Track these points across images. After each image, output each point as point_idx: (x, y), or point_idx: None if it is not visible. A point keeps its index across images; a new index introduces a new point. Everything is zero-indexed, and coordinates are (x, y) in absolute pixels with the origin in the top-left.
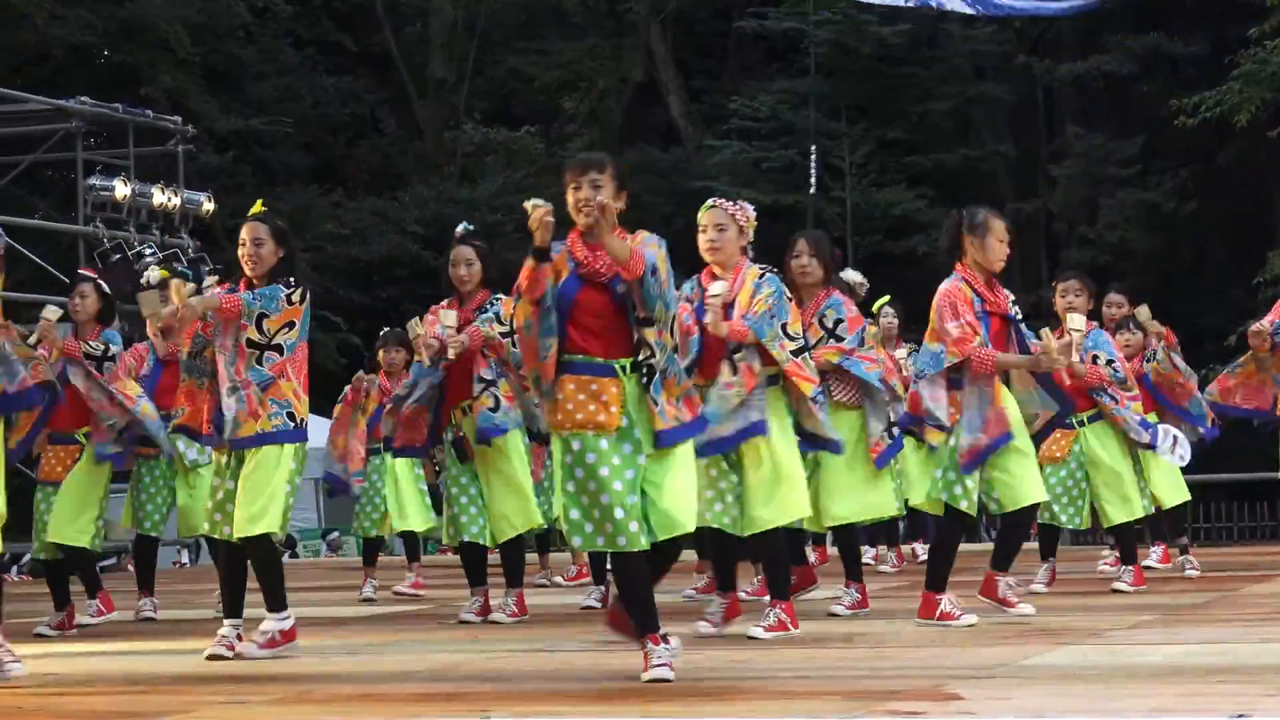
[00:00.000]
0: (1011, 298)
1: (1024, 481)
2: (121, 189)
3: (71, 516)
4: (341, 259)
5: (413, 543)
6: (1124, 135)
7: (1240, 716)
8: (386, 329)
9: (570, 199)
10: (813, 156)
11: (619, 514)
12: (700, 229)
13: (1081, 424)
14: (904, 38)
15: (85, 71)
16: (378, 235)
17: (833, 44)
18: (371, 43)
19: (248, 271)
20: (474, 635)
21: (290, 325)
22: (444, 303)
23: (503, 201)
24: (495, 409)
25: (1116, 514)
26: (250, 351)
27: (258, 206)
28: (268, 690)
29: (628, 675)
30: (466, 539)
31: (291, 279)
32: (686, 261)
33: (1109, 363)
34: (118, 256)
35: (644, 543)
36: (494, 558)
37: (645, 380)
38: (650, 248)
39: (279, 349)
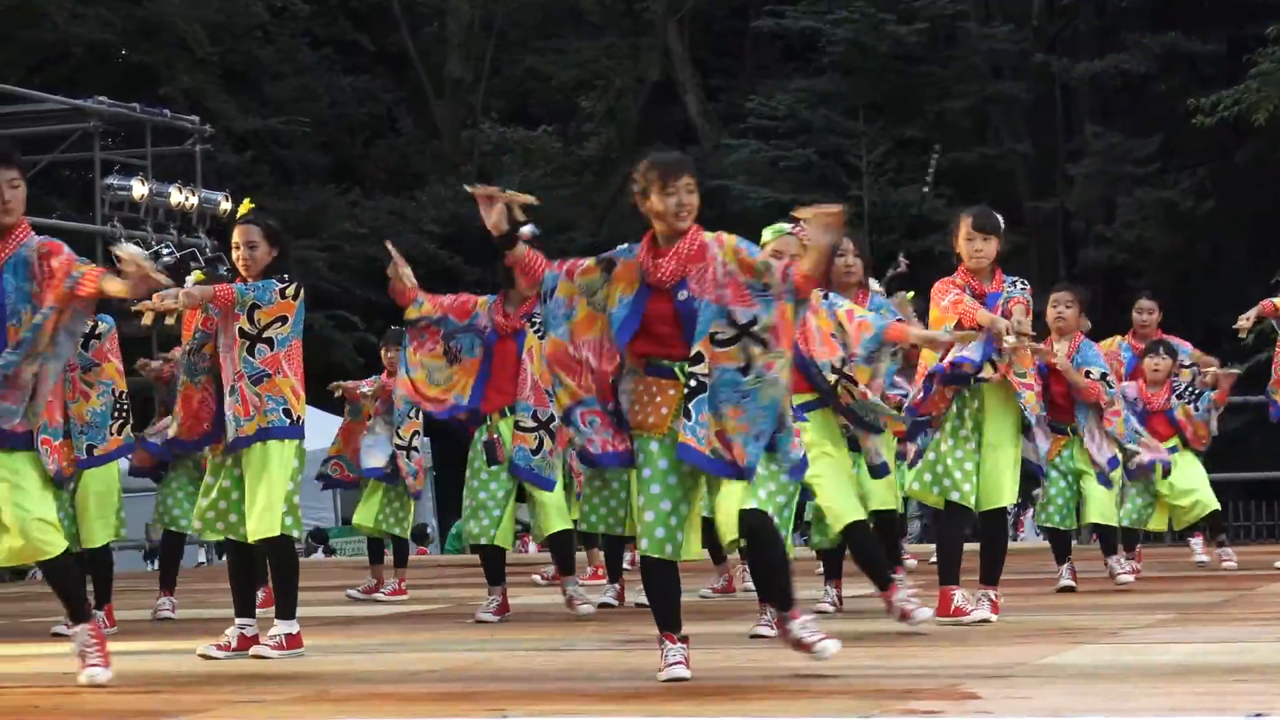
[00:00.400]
0: (1010, 280)
1: (998, 484)
2: (139, 188)
3: (99, 517)
4: (359, 258)
5: (399, 546)
6: (1142, 134)
7: (1258, 715)
8: (392, 327)
9: (660, 204)
10: (934, 157)
11: (648, 516)
12: (773, 254)
13: (1074, 431)
14: (921, 36)
15: (104, 70)
16: (395, 235)
17: (850, 43)
18: (389, 42)
19: (243, 274)
20: (490, 634)
21: (283, 319)
22: (489, 297)
23: None
24: (537, 451)
25: (1089, 515)
26: (242, 341)
27: (245, 207)
28: (285, 689)
29: (643, 674)
30: (484, 541)
31: (286, 274)
32: None
33: (1103, 377)
34: None
35: (668, 551)
36: (512, 556)
37: (689, 390)
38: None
39: (270, 342)
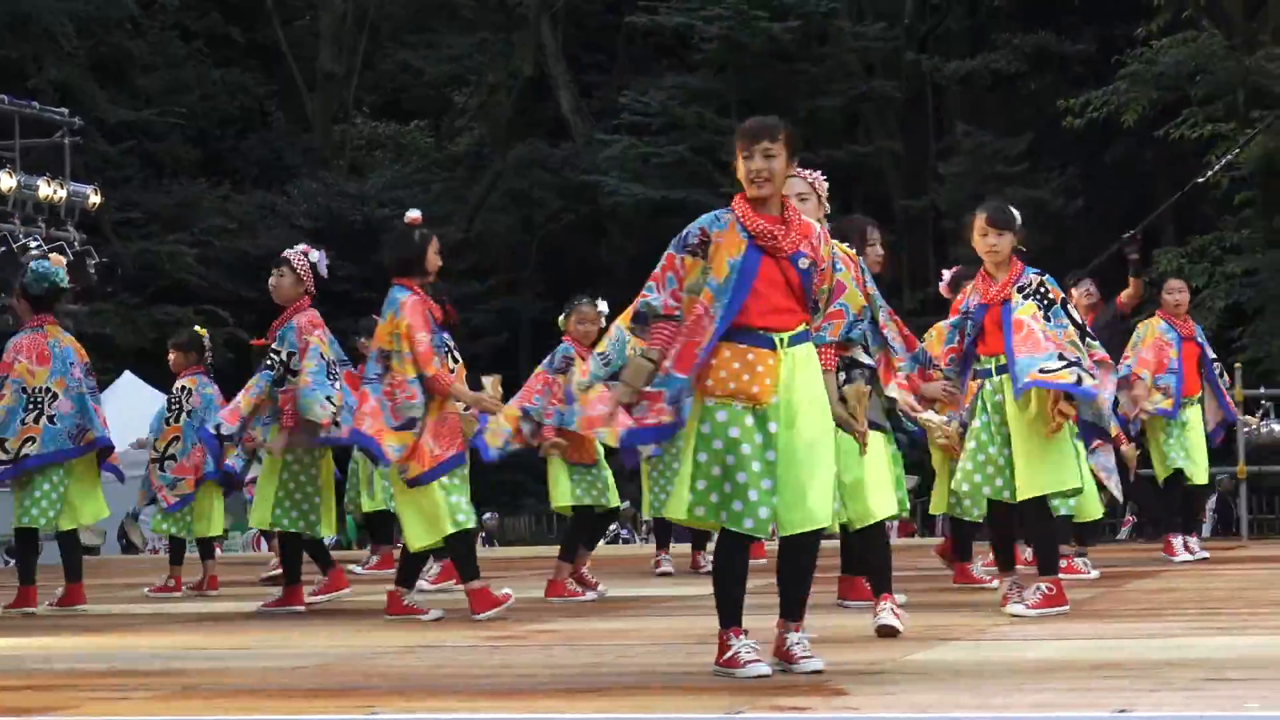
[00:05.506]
0: (1026, 276)
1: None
2: (7, 180)
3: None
4: (229, 253)
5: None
6: (1012, 133)
7: (1123, 711)
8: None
9: (742, 169)
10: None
11: (752, 495)
12: None
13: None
14: (794, 34)
15: None
16: (266, 229)
17: (723, 40)
18: (260, 35)
19: None
20: (362, 632)
21: None
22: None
23: (391, 196)
24: None
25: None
26: None
27: None
28: (152, 685)
29: (512, 671)
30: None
31: None
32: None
33: None
34: (2, 249)
35: (767, 532)
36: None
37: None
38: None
39: None
